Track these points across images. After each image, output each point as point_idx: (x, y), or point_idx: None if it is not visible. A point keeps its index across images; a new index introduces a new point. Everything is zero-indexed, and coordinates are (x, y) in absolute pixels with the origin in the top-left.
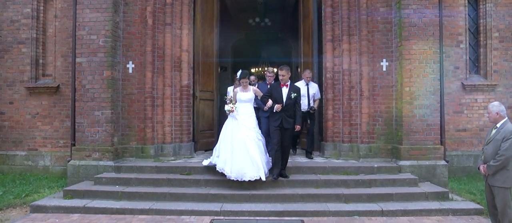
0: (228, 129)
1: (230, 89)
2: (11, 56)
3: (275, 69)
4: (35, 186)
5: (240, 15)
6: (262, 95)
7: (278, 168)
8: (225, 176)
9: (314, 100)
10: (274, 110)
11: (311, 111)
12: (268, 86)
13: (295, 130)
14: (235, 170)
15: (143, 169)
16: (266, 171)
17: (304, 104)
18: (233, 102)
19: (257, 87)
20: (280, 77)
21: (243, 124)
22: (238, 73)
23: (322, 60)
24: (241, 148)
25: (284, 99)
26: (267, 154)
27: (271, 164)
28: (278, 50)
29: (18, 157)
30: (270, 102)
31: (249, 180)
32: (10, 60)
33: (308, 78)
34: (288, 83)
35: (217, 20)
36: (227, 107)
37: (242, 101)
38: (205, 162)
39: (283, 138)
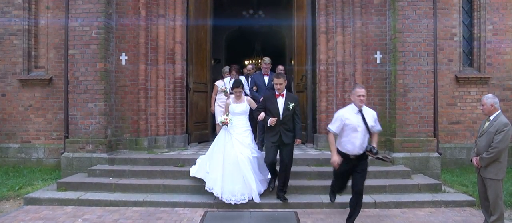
0: (220, 143)
1: (217, 83)
2: (2, 48)
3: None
4: (29, 179)
5: (233, 7)
6: (255, 109)
7: (272, 183)
8: (213, 195)
9: (372, 135)
10: (268, 124)
11: (371, 153)
12: (264, 78)
13: (296, 143)
14: (226, 191)
15: (136, 161)
16: (262, 190)
17: (356, 146)
18: (227, 113)
19: (252, 77)
20: (277, 87)
21: (237, 139)
22: (231, 82)
23: (315, 52)
24: (233, 167)
25: (281, 112)
26: (265, 171)
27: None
28: (271, 42)
29: (11, 150)
30: (262, 114)
31: (241, 203)
32: (2, 52)
33: (362, 100)
34: (284, 92)
35: (210, 12)
36: (220, 119)
37: (236, 114)
38: (193, 171)
39: (282, 156)
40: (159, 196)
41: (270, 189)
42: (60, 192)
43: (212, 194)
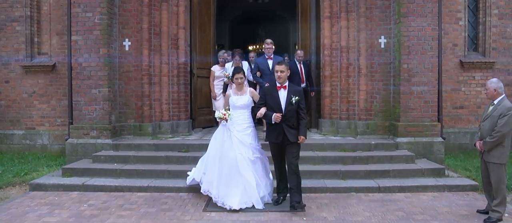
0: (218, 142)
1: (214, 68)
2: (5, 34)
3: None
4: (34, 165)
5: None
6: (256, 104)
7: (284, 193)
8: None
9: None
10: (273, 122)
11: None
12: (268, 62)
13: (299, 141)
14: (222, 195)
15: (141, 146)
16: (266, 195)
17: None
18: (226, 107)
19: (254, 62)
20: (278, 75)
21: (237, 138)
22: (230, 70)
23: (319, 37)
24: (232, 170)
25: (284, 106)
26: (270, 174)
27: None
28: (275, 28)
29: (16, 136)
30: (262, 110)
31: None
32: (4, 39)
33: None
34: (286, 84)
35: None
36: (218, 114)
37: (236, 108)
38: (189, 179)
39: (288, 158)
40: (164, 182)
41: (280, 202)
42: (65, 178)
43: None
